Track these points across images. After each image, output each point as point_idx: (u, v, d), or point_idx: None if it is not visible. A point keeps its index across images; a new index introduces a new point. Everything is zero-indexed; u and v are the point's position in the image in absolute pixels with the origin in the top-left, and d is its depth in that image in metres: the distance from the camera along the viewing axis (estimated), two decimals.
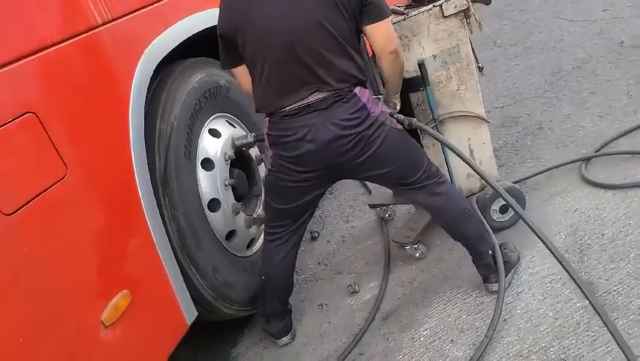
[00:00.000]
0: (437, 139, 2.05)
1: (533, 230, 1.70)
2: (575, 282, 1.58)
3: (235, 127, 2.48)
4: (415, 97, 2.30)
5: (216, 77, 2.35)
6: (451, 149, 1.92)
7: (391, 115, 1.95)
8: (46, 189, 1.44)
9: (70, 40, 1.58)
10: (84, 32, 1.64)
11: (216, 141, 2.30)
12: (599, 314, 1.52)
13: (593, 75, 3.35)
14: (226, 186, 2.29)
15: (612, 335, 1.47)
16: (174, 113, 2.06)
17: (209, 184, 2.22)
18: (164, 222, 1.92)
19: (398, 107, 2.08)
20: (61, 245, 1.48)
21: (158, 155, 1.96)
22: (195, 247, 2.06)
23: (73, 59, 1.61)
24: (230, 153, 2.34)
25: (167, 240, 1.88)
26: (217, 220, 2.22)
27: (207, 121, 2.31)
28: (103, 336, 1.57)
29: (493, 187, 1.87)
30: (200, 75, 2.26)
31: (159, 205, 1.91)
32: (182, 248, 2.00)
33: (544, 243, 1.65)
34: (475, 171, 1.89)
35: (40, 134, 1.45)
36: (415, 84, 2.24)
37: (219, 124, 2.38)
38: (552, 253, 1.63)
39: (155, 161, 1.95)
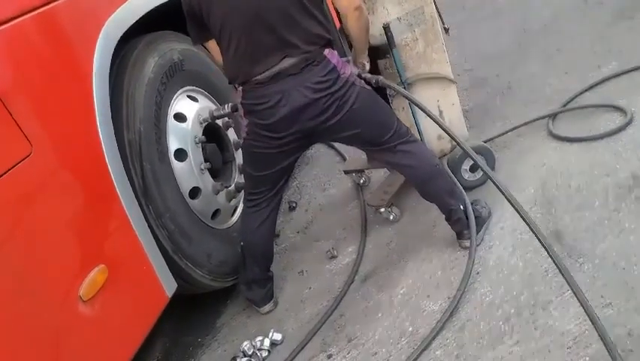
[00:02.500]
0: (403, 95, 2.05)
1: (497, 185, 1.75)
2: (535, 235, 1.63)
3: (197, 100, 2.42)
4: (382, 61, 2.31)
5: (169, 54, 2.25)
6: (418, 105, 1.93)
7: (359, 75, 1.97)
8: (11, 168, 1.43)
9: (26, 16, 1.56)
10: (40, 7, 1.61)
11: (183, 126, 2.27)
12: (558, 268, 1.58)
13: (558, 33, 3.40)
14: (202, 170, 2.30)
15: (572, 289, 1.53)
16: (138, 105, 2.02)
17: (186, 174, 2.22)
18: (149, 226, 1.93)
19: (367, 68, 2.10)
20: (32, 222, 1.48)
21: (127, 130, 1.96)
22: (187, 243, 2.10)
23: (31, 35, 1.59)
24: (199, 134, 2.32)
25: (141, 213, 1.89)
26: (200, 206, 2.25)
27: (170, 104, 2.25)
28: (82, 311, 1.58)
29: (453, 138, 1.88)
30: (153, 60, 2.15)
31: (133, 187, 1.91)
32: (176, 250, 2.04)
33: (507, 198, 1.70)
34: (439, 126, 1.89)
35: (2, 112, 1.43)
36: (381, 51, 2.25)
37: (182, 105, 2.32)
38: (514, 207, 1.68)
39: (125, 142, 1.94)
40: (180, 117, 2.27)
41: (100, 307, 1.64)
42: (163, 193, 2.03)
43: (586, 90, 2.70)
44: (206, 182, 2.32)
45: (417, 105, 1.92)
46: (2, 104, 1.42)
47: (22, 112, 1.48)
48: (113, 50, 1.87)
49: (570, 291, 1.71)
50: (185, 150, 2.23)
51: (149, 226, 1.92)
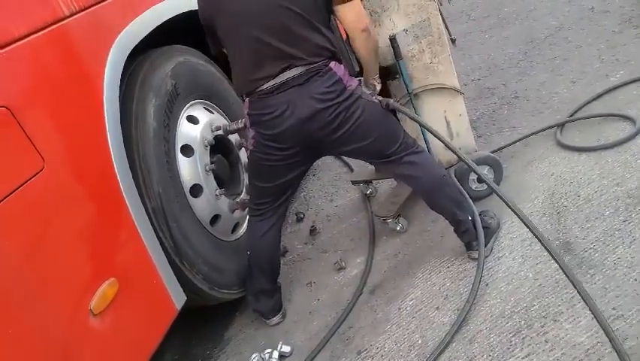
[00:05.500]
0: (413, 119, 2.05)
1: (500, 196, 1.76)
2: (544, 245, 1.63)
3: (198, 121, 2.34)
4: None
5: (162, 86, 2.13)
6: (426, 128, 1.98)
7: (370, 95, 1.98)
8: (24, 183, 1.44)
9: (38, 33, 1.57)
10: (51, 24, 1.63)
11: (192, 159, 2.23)
12: (569, 279, 1.57)
13: (565, 42, 3.40)
14: (217, 196, 2.31)
15: (583, 299, 1.53)
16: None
17: (204, 207, 2.23)
18: (159, 239, 1.93)
19: (378, 89, 2.11)
20: (44, 236, 1.49)
21: (136, 145, 1.97)
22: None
23: (43, 52, 1.60)
24: (207, 160, 2.31)
25: (151, 226, 1.89)
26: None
27: (176, 145, 2.20)
28: (92, 324, 1.58)
29: (461, 158, 1.89)
30: (152, 105, 2.05)
31: (141, 196, 1.92)
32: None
33: (511, 208, 1.71)
34: (447, 146, 1.89)
35: (15, 128, 1.44)
36: (392, 73, 2.27)
37: (186, 134, 2.25)
38: (520, 218, 1.68)
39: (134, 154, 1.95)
40: (187, 150, 2.23)
41: (110, 321, 1.64)
42: (189, 239, 2.07)
43: (594, 99, 2.69)
44: (224, 205, 2.34)
45: (424, 127, 1.94)
46: (15, 119, 1.44)
47: (35, 128, 1.49)
48: (123, 65, 1.89)
49: (581, 303, 1.71)
50: (199, 185, 2.22)
51: (159, 239, 1.93)
